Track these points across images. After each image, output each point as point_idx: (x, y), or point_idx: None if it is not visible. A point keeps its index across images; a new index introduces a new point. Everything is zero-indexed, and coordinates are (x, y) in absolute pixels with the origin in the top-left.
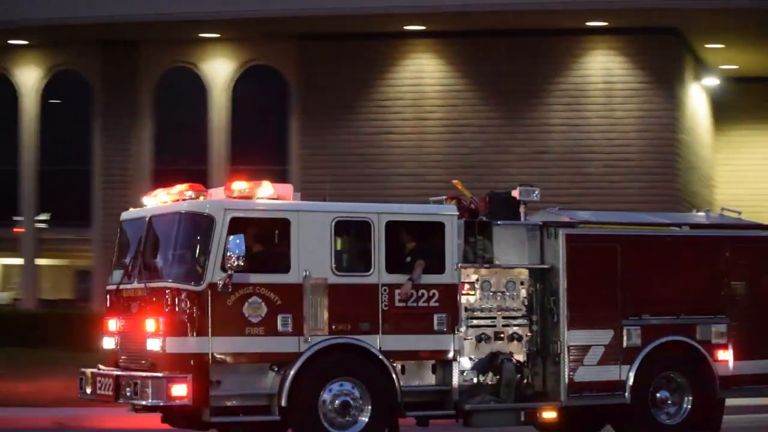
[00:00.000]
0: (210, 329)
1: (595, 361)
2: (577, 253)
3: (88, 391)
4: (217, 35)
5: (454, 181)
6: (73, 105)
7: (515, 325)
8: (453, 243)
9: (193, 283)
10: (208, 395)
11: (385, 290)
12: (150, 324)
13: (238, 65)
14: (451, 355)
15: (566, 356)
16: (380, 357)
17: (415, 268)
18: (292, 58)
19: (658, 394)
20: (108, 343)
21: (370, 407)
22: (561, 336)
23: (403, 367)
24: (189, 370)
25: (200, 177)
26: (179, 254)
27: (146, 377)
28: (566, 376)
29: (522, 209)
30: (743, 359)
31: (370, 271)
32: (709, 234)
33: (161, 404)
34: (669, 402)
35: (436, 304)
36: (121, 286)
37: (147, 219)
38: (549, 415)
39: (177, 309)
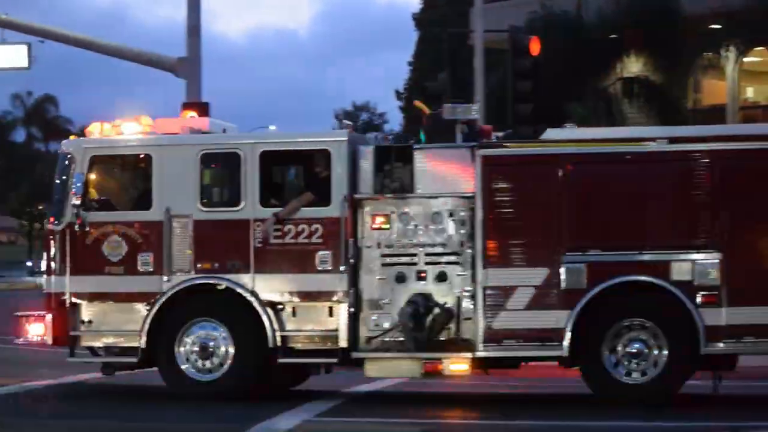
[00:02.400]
0: (69, 268)
1: (521, 306)
2: (499, 177)
3: None
4: None
5: (416, 102)
6: None
7: (445, 263)
8: (341, 172)
9: (56, 222)
10: (67, 335)
11: (258, 226)
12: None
13: None
14: (338, 296)
15: (481, 299)
16: (248, 298)
17: (290, 201)
18: None
19: (631, 347)
20: None
21: (233, 351)
22: (476, 275)
23: (294, 309)
24: (50, 309)
25: None
26: (56, 194)
27: (18, 316)
28: (481, 323)
29: (459, 129)
30: (741, 305)
31: (240, 206)
32: (691, 149)
33: (27, 342)
34: (642, 357)
35: (320, 240)
36: None
37: None
38: (458, 366)
39: (49, 249)
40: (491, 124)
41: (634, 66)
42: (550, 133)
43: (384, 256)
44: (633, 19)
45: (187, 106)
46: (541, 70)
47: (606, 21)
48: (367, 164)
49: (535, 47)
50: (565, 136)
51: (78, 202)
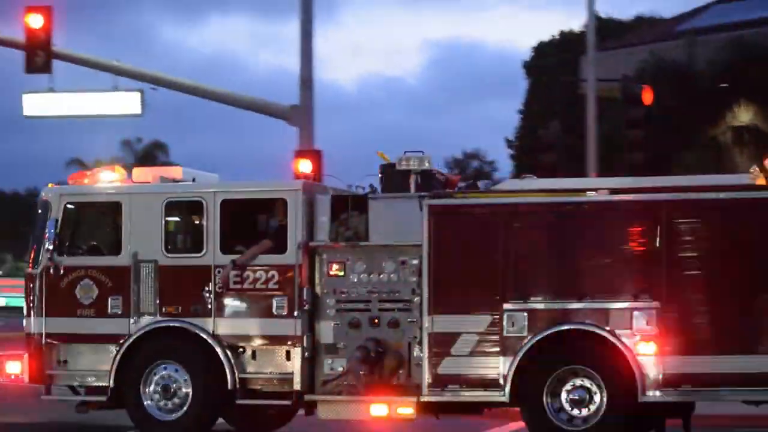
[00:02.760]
0: (44, 310)
1: (465, 352)
2: (445, 226)
3: None
4: None
5: (378, 153)
6: None
7: (398, 310)
8: (297, 220)
9: (35, 266)
10: (43, 373)
11: (219, 272)
12: None
13: None
14: (292, 341)
15: (427, 345)
16: (209, 341)
17: (249, 248)
18: None
19: (572, 394)
20: None
21: (191, 392)
22: (422, 322)
23: (253, 352)
24: (27, 349)
25: None
26: (36, 238)
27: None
28: (427, 368)
29: (412, 180)
30: (680, 354)
31: (202, 252)
32: (630, 199)
33: (5, 381)
34: (583, 404)
35: (276, 286)
36: None
37: None
38: (404, 410)
39: (28, 292)
40: (603, 172)
41: (744, 115)
42: (505, 184)
43: (339, 302)
44: (743, 68)
45: (299, 153)
46: (653, 119)
47: (716, 69)
48: (323, 213)
49: (647, 97)
50: (517, 187)
51: (51, 247)
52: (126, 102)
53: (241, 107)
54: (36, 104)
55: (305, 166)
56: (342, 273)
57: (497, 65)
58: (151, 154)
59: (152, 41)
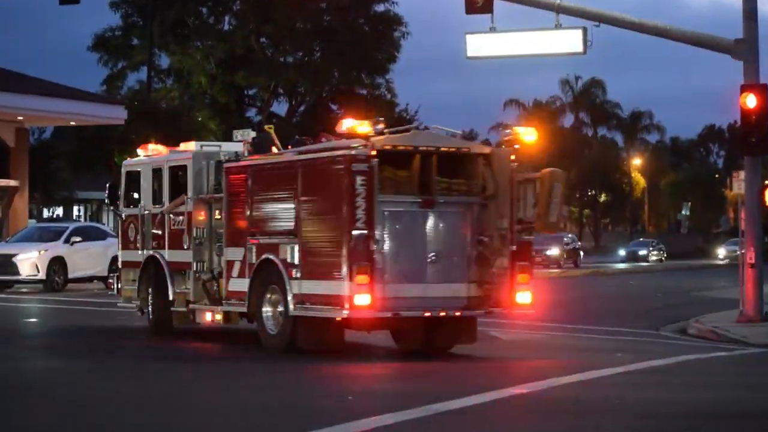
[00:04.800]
0: (120, 245)
1: (236, 274)
2: (232, 182)
3: None
4: None
5: (266, 127)
6: None
7: None
8: (191, 179)
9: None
10: (121, 290)
11: (168, 217)
12: None
13: None
14: (188, 266)
15: (225, 269)
16: (163, 266)
17: (172, 201)
18: None
19: (276, 308)
20: None
21: (152, 299)
22: (223, 253)
23: (184, 273)
24: (117, 272)
25: None
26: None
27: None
28: (224, 286)
29: (245, 147)
30: (312, 279)
31: (163, 203)
32: (285, 160)
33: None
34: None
35: (184, 227)
36: None
37: None
38: (218, 317)
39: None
40: None
41: None
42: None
43: (216, 238)
44: None
45: (745, 88)
46: None
47: None
48: (211, 173)
49: None
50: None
51: (119, 201)
52: (568, 40)
53: (685, 42)
54: (478, 45)
55: (751, 100)
56: (219, 217)
57: None
58: (589, 93)
59: None
